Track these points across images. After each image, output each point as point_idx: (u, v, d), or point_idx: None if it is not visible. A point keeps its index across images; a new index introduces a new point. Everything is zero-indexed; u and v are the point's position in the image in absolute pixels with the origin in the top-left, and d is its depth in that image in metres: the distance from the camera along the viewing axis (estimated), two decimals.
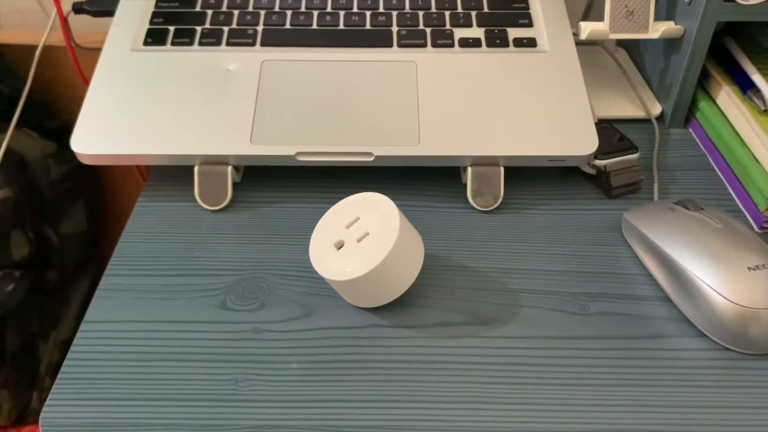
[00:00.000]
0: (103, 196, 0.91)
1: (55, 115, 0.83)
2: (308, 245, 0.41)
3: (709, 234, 0.41)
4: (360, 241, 0.39)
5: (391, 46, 0.52)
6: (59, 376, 0.38)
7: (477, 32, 0.53)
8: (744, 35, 0.54)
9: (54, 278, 0.81)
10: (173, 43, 0.52)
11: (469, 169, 0.47)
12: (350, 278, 0.38)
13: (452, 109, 0.48)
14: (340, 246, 0.39)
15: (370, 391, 0.37)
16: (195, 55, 0.51)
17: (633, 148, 0.49)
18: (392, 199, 0.40)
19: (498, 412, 0.36)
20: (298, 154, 0.46)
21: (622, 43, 0.64)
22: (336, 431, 0.35)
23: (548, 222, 0.47)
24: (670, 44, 0.55)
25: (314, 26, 0.53)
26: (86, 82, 0.50)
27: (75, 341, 0.40)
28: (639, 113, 0.56)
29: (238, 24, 0.53)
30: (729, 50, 0.54)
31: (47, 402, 0.36)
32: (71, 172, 0.81)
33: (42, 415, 0.36)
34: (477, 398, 0.37)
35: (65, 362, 0.39)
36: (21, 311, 0.77)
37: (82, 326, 0.40)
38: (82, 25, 0.65)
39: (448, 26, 0.53)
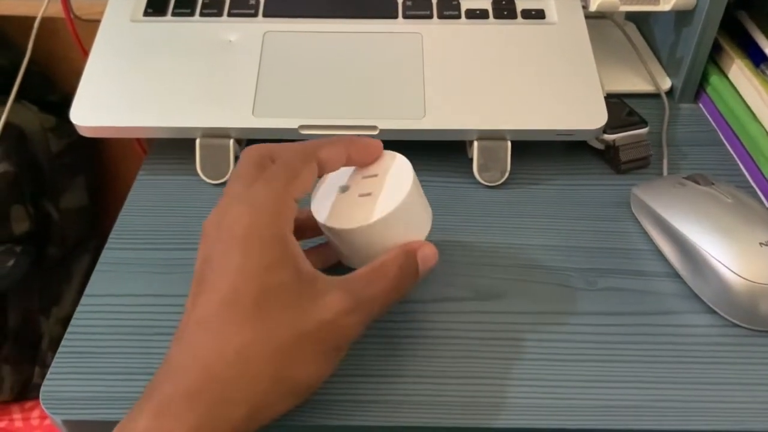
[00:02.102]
0: (103, 170, 0.91)
1: (54, 88, 0.82)
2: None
3: (720, 209, 0.40)
4: (367, 195, 0.36)
5: (396, 17, 0.51)
6: (59, 349, 0.37)
7: (484, 3, 0.52)
8: (757, 8, 0.53)
9: (55, 253, 0.80)
10: (174, 14, 0.51)
11: (476, 144, 0.47)
12: (349, 227, 0.34)
13: (458, 82, 0.47)
14: (344, 190, 0.36)
15: (372, 365, 0.37)
16: (196, 26, 0.50)
17: (642, 123, 0.48)
18: None
19: (503, 388, 0.36)
20: (301, 127, 0.45)
21: (631, 17, 0.63)
22: (337, 405, 0.35)
23: (555, 197, 0.47)
24: (681, 17, 0.53)
25: None
26: (86, 54, 0.49)
27: (75, 315, 0.39)
28: (648, 88, 0.55)
29: None
30: (742, 23, 0.52)
31: (48, 375, 0.36)
32: (71, 147, 0.81)
33: (43, 388, 0.36)
34: (481, 373, 0.36)
35: (65, 336, 0.38)
36: (22, 287, 0.77)
37: (83, 300, 0.40)
38: None
39: None
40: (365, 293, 0.31)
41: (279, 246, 0.30)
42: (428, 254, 0.34)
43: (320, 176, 0.34)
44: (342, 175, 0.37)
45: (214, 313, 0.29)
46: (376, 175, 0.36)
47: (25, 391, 0.81)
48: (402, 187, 0.35)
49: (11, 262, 0.73)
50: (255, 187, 0.31)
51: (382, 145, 0.36)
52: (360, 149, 0.35)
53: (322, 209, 0.36)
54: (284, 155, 0.33)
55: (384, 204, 0.34)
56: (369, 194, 0.35)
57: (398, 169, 0.36)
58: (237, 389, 0.28)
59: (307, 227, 0.37)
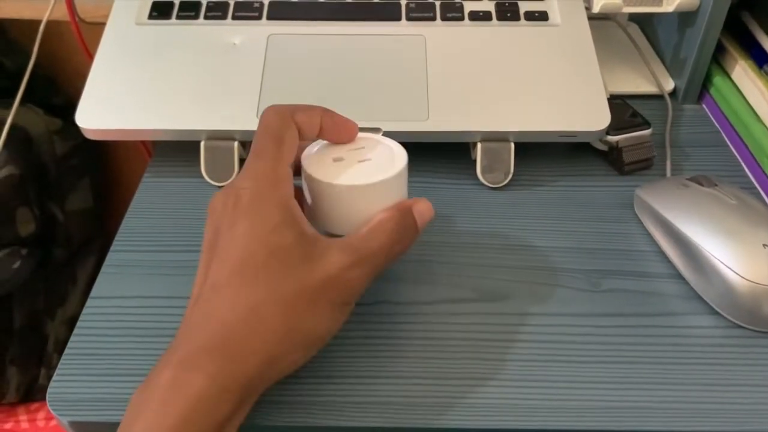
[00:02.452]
0: (108, 172, 0.91)
1: (59, 91, 0.82)
2: None
3: (724, 210, 0.40)
4: (368, 161, 0.37)
5: (399, 19, 0.51)
6: (66, 351, 0.38)
7: (487, 5, 0.52)
8: (760, 8, 0.53)
9: (60, 255, 0.81)
10: (178, 17, 0.51)
11: (479, 145, 0.47)
12: (346, 184, 0.35)
13: (462, 84, 0.47)
14: (338, 160, 0.37)
15: (376, 367, 0.37)
16: (200, 29, 0.50)
17: (645, 124, 0.48)
18: None
19: (506, 389, 0.36)
20: None
21: (634, 18, 0.63)
22: (342, 407, 0.35)
23: (559, 198, 0.47)
24: (684, 18, 0.53)
25: None
26: (91, 57, 0.50)
27: (81, 317, 0.39)
28: (652, 89, 0.55)
29: None
30: (745, 24, 0.52)
31: (54, 377, 0.36)
32: (77, 149, 0.81)
33: (49, 390, 0.36)
34: (485, 375, 0.36)
35: (72, 338, 0.38)
36: (28, 288, 0.77)
37: (88, 302, 0.40)
38: None
39: None
40: (365, 249, 0.33)
41: (281, 210, 0.32)
42: (423, 209, 0.36)
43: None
44: (328, 149, 0.37)
45: (227, 276, 0.31)
46: (363, 148, 0.37)
47: (31, 393, 0.81)
48: (399, 155, 0.37)
49: (17, 264, 0.74)
50: (250, 163, 0.34)
51: (357, 126, 0.38)
52: (332, 120, 0.37)
53: (321, 171, 0.36)
54: (263, 124, 0.35)
55: (390, 166, 0.36)
56: (369, 159, 0.37)
57: (386, 145, 0.38)
58: (252, 341, 0.30)
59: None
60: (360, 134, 0.38)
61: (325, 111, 0.37)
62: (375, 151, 0.37)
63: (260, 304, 0.30)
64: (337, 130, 0.37)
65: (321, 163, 0.36)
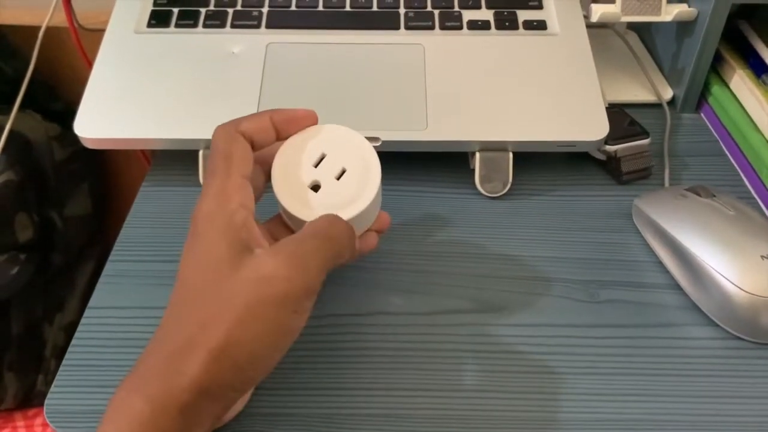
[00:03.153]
0: (107, 178, 0.91)
1: (58, 97, 0.82)
2: None
3: (722, 221, 0.40)
4: (339, 179, 0.36)
5: (398, 28, 0.51)
6: (63, 362, 0.38)
7: (486, 14, 0.52)
8: (759, 18, 0.53)
9: (59, 261, 0.81)
10: (177, 25, 0.51)
11: (478, 155, 0.47)
12: (355, 213, 0.35)
13: (460, 93, 0.48)
14: (315, 187, 0.36)
15: (375, 378, 0.37)
16: (199, 38, 0.50)
17: (644, 134, 0.49)
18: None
19: (504, 401, 0.36)
20: None
21: (633, 26, 0.63)
22: (341, 419, 0.35)
23: (557, 208, 0.47)
24: (682, 27, 0.53)
25: (320, 8, 0.52)
26: (89, 63, 0.50)
27: (79, 328, 0.39)
28: (650, 98, 0.55)
29: (242, 6, 0.52)
30: (743, 33, 0.53)
31: (52, 389, 0.36)
32: (75, 155, 0.81)
33: (47, 401, 0.36)
34: (483, 386, 0.36)
35: (69, 349, 0.38)
36: (26, 294, 0.77)
37: (86, 312, 0.40)
38: (86, 4, 0.64)
39: (456, 8, 0.52)
40: (295, 249, 0.32)
41: (222, 223, 0.32)
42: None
43: (255, 150, 0.35)
44: (297, 165, 0.36)
45: (172, 300, 0.32)
46: (324, 155, 0.36)
47: (29, 399, 0.81)
48: (371, 160, 0.36)
49: (15, 270, 0.74)
50: (205, 182, 0.34)
51: (312, 112, 0.37)
52: (284, 116, 0.36)
53: (298, 203, 0.35)
54: (212, 145, 0.35)
55: (371, 178, 0.36)
56: (345, 171, 0.36)
57: (344, 139, 0.37)
58: (187, 361, 0.29)
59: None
60: (302, 134, 0.37)
61: (273, 111, 0.36)
62: (345, 155, 0.36)
63: (194, 322, 0.30)
64: (294, 124, 0.37)
65: (295, 188, 0.35)
